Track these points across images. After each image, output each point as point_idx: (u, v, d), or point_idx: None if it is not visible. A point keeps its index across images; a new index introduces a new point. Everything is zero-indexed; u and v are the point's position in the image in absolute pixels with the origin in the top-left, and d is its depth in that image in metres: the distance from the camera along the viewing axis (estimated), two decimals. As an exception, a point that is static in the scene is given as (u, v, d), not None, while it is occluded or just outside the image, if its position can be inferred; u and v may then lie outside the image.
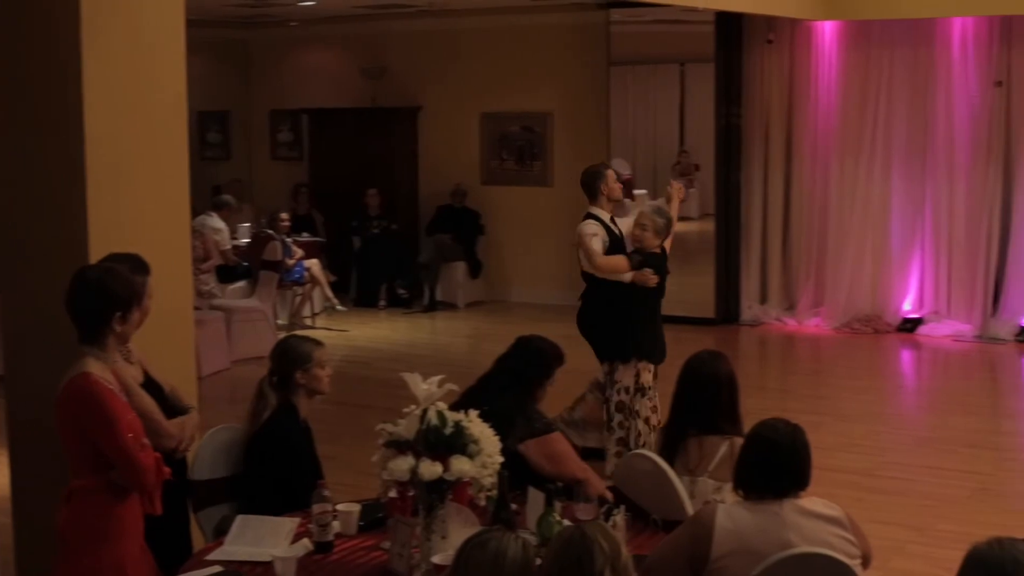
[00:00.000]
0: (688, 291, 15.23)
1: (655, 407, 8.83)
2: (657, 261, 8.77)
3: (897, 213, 14.56)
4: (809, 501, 4.56)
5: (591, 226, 8.88)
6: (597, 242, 8.81)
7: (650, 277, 8.70)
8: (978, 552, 3.55)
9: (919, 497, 8.73)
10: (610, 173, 9.13)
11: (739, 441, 4.94)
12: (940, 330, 14.24)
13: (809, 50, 14.84)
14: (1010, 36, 13.83)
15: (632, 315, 8.84)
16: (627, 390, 8.85)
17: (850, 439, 10.00)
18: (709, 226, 15.41)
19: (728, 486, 5.00)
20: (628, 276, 8.73)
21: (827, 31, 14.70)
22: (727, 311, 15.39)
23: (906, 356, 13.95)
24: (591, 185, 9.07)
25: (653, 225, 8.77)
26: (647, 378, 8.87)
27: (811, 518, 4.51)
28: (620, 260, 8.78)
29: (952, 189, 14.23)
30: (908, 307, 14.60)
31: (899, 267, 14.58)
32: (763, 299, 15.42)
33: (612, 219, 9.07)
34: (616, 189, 9.16)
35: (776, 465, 4.55)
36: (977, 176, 14.05)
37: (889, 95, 14.47)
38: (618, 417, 8.87)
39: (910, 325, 14.49)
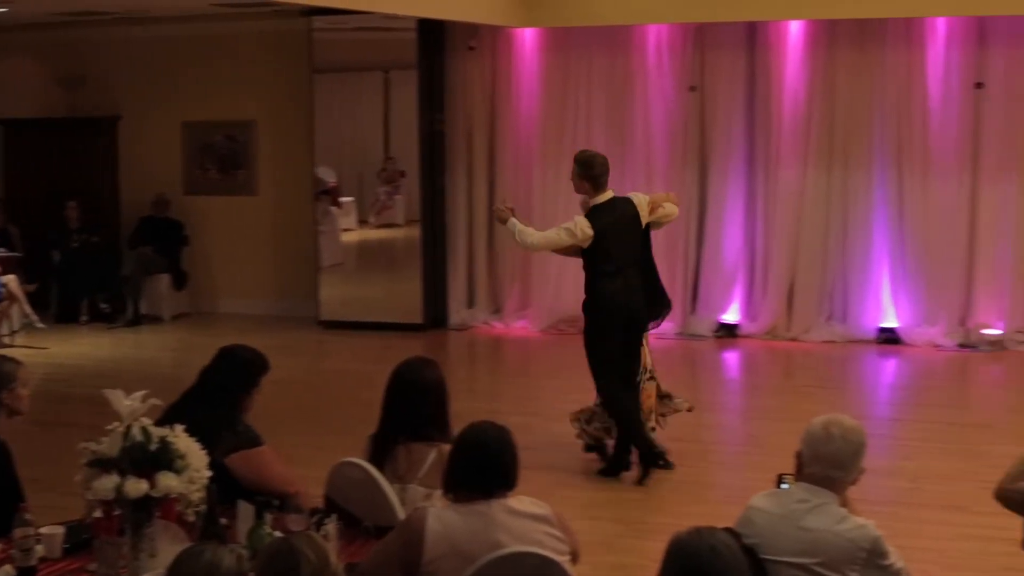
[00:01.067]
0: (396, 297, 15.32)
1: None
2: None
3: (598, 216, 14.84)
4: (518, 501, 4.63)
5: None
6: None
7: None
8: (679, 541, 3.67)
9: (627, 492, 8.95)
10: None
11: (447, 448, 4.98)
12: (642, 328, 14.59)
13: (511, 56, 15.05)
14: (703, 42, 14.31)
15: None
16: None
17: (558, 438, 10.11)
18: (415, 232, 15.48)
19: (438, 492, 5.04)
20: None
21: (527, 38, 14.93)
22: (435, 316, 15.47)
23: (611, 355, 14.23)
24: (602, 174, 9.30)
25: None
26: None
27: (520, 517, 4.58)
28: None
29: (650, 192, 14.58)
30: (612, 307, 14.91)
31: (601, 268, 14.87)
32: (470, 303, 15.54)
33: None
34: None
35: (485, 466, 4.61)
36: (674, 178, 14.44)
37: (588, 100, 14.79)
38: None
39: (614, 325, 14.81)
